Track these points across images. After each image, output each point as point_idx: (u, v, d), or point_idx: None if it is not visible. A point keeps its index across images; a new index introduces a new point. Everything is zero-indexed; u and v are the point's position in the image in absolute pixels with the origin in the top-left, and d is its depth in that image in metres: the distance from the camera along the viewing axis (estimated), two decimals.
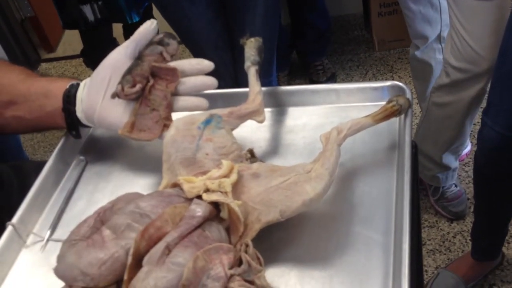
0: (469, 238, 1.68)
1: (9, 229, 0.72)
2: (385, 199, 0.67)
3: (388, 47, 2.56)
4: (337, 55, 2.63)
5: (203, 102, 0.73)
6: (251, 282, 0.56)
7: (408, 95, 0.75)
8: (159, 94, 0.72)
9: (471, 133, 1.83)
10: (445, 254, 1.71)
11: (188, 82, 0.73)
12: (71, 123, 0.77)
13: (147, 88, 0.72)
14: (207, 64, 0.74)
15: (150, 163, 0.80)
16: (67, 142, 0.84)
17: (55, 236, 0.74)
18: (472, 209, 1.72)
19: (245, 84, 0.79)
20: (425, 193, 1.86)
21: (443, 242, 1.75)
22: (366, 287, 0.59)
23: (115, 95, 0.71)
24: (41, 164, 0.83)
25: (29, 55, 3.04)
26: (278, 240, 0.66)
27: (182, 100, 0.73)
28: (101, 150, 0.85)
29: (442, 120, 1.57)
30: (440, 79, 1.51)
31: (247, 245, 0.59)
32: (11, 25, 2.90)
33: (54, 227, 0.75)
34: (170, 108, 0.72)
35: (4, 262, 0.71)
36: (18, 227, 0.73)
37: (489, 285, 1.62)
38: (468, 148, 1.94)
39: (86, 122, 0.76)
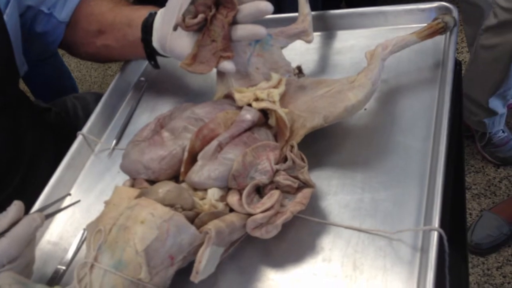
0: None
1: (79, 138, 0.81)
2: (426, 111, 0.70)
3: None
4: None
5: (261, 29, 0.69)
6: (295, 178, 0.62)
7: (454, 14, 0.76)
8: (219, 24, 0.68)
9: None
10: (490, 198, 1.71)
11: (244, 10, 0.69)
12: (150, 53, 0.79)
13: (209, 18, 0.68)
14: None
15: (205, 82, 0.86)
16: (128, 65, 0.91)
17: (120, 146, 0.81)
18: None
19: (288, 10, 0.83)
20: (472, 140, 1.85)
21: (489, 186, 1.74)
22: (404, 186, 0.63)
23: (176, 26, 0.69)
24: (102, 96, 0.90)
25: None
26: (322, 147, 0.70)
27: (240, 29, 0.69)
28: (160, 72, 0.91)
29: (489, 63, 1.54)
30: (488, 20, 1.48)
31: (292, 146, 0.64)
32: None
33: (119, 138, 0.82)
34: (228, 39, 0.69)
35: (76, 167, 0.79)
36: (87, 137, 0.81)
37: None
38: None
39: (162, 52, 0.76)
